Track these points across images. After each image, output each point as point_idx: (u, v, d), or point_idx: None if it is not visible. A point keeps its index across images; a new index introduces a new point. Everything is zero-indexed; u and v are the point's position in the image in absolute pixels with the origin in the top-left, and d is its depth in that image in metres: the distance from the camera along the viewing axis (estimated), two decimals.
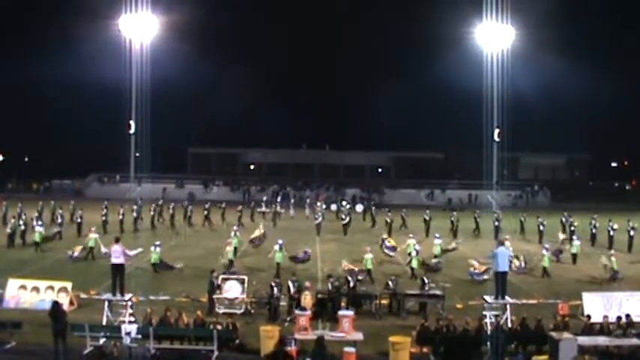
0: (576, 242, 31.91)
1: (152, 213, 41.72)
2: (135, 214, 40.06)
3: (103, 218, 38.38)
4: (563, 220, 41.44)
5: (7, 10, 71.78)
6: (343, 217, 41.88)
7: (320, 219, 41.01)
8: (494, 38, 56.51)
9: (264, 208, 47.84)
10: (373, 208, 48.08)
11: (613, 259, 27.25)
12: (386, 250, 30.71)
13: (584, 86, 65.62)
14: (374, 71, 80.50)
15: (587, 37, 71.55)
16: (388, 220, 40.42)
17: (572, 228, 38.55)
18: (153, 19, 60.21)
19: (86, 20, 61.13)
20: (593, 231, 37.38)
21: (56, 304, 16.99)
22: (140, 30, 58.72)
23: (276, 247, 27.26)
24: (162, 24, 61.69)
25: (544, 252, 28.52)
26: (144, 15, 57.80)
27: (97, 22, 60.45)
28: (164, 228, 40.59)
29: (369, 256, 26.32)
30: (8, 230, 33.10)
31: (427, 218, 40.78)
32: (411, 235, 30.67)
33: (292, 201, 54.83)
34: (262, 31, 78.64)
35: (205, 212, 42.97)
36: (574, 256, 30.77)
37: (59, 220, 37.31)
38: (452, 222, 40.60)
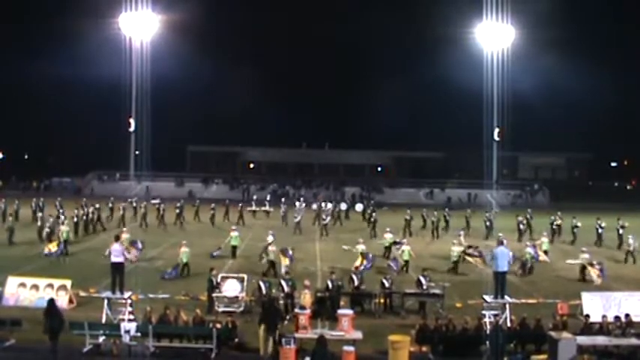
0: (544, 239, 31.98)
1: (121, 212, 41.53)
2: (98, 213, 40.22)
3: (84, 217, 38.30)
4: (552, 218, 41.08)
5: (8, 9, 71.91)
6: (324, 217, 40.75)
7: (299, 218, 40.50)
8: (494, 38, 56.56)
9: (254, 207, 47.47)
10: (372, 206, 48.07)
11: (586, 255, 26.84)
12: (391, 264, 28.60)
13: (583, 86, 65.71)
14: (374, 70, 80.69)
15: (586, 36, 71.64)
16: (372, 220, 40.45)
17: (554, 227, 38.81)
18: (153, 18, 60.25)
19: (86, 18, 61.20)
20: (574, 230, 37.63)
21: (52, 302, 17.00)
22: (140, 28, 58.75)
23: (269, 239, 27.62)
24: (163, 22, 61.76)
25: (529, 250, 28.57)
26: (144, 13, 57.86)
27: (97, 21, 60.50)
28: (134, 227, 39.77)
29: (361, 247, 27.51)
30: (47, 229, 33.61)
31: (408, 218, 40.33)
32: (388, 229, 30.93)
33: (283, 200, 53.87)
34: (262, 29, 78.73)
35: (177, 211, 42.50)
36: (545, 253, 30.65)
37: (62, 219, 37.28)
38: (424, 220, 41.40)
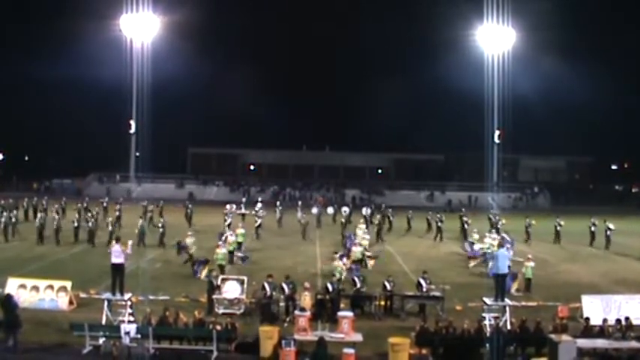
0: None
1: (117, 213, 41.17)
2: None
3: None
4: (492, 218, 41.25)
5: (8, 9, 71.95)
6: (257, 218, 39.66)
7: (259, 220, 39.37)
8: (495, 40, 56.64)
9: (243, 210, 47.00)
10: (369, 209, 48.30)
11: (530, 264, 25.25)
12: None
13: (584, 88, 65.63)
14: (374, 72, 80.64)
15: (587, 39, 71.56)
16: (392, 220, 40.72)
17: (499, 226, 38.70)
18: (154, 19, 60.38)
19: (87, 20, 61.31)
20: (528, 230, 37.87)
21: (8, 297, 17.06)
22: (141, 30, 58.86)
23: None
24: (163, 24, 61.87)
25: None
26: (145, 15, 57.97)
27: (98, 22, 60.65)
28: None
29: (357, 249, 28.29)
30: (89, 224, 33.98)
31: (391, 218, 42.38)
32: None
33: (278, 203, 52.77)
34: (263, 31, 78.78)
35: (117, 213, 40.74)
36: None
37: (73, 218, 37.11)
38: (429, 224, 41.48)
